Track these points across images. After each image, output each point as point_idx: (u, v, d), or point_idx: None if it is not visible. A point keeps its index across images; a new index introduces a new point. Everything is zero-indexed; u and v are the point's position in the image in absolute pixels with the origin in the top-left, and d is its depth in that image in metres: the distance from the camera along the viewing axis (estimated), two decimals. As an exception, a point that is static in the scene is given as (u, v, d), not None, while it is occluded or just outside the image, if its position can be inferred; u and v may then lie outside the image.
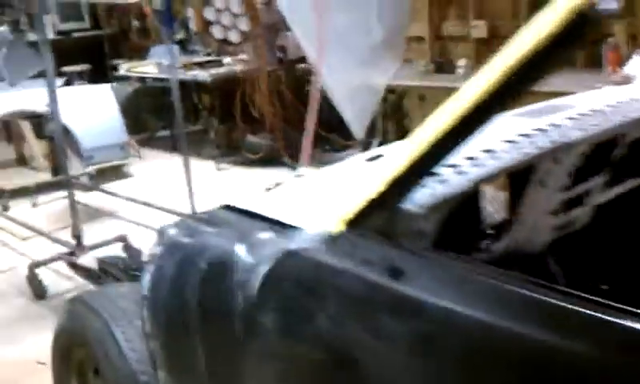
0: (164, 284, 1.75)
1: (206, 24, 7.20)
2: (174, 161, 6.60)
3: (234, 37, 6.95)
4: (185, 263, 1.71)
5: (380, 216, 1.36)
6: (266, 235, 1.58)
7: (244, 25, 6.67)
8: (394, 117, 6.15)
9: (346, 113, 5.10)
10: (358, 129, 5.24)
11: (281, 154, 6.44)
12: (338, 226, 1.42)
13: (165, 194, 5.35)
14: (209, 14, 7.08)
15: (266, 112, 6.45)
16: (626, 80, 4.31)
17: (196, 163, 5.25)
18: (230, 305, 1.56)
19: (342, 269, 1.34)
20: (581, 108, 1.97)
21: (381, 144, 5.97)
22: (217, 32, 7.10)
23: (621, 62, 4.67)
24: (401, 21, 5.13)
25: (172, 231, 1.80)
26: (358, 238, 1.37)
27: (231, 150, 6.79)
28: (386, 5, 4.95)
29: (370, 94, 5.23)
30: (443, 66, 5.52)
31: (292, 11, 4.84)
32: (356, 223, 1.39)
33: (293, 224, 1.58)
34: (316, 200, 1.73)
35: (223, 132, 6.84)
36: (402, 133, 6.19)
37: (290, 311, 1.44)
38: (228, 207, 1.86)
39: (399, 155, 1.33)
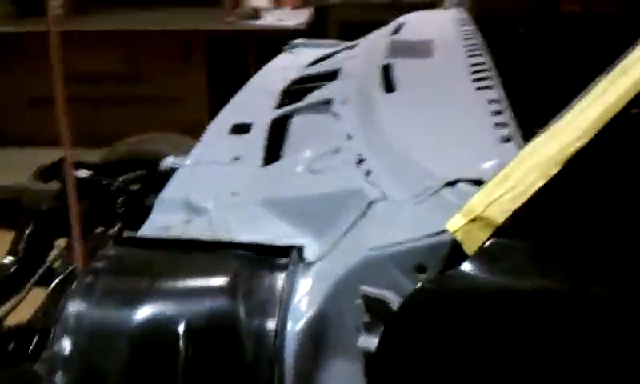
0: None
1: None
2: None
3: None
4: (140, 351, 1.02)
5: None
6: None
7: None
8: None
9: None
10: None
11: None
12: (474, 234, 0.97)
13: None
14: None
15: None
16: (253, 14, 4.22)
17: None
18: None
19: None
20: None
21: None
22: None
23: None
24: None
25: (75, 306, 1.04)
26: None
27: None
28: None
29: None
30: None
31: None
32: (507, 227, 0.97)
33: (292, 245, 1.10)
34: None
35: None
36: None
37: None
38: (132, 241, 1.18)
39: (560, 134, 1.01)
